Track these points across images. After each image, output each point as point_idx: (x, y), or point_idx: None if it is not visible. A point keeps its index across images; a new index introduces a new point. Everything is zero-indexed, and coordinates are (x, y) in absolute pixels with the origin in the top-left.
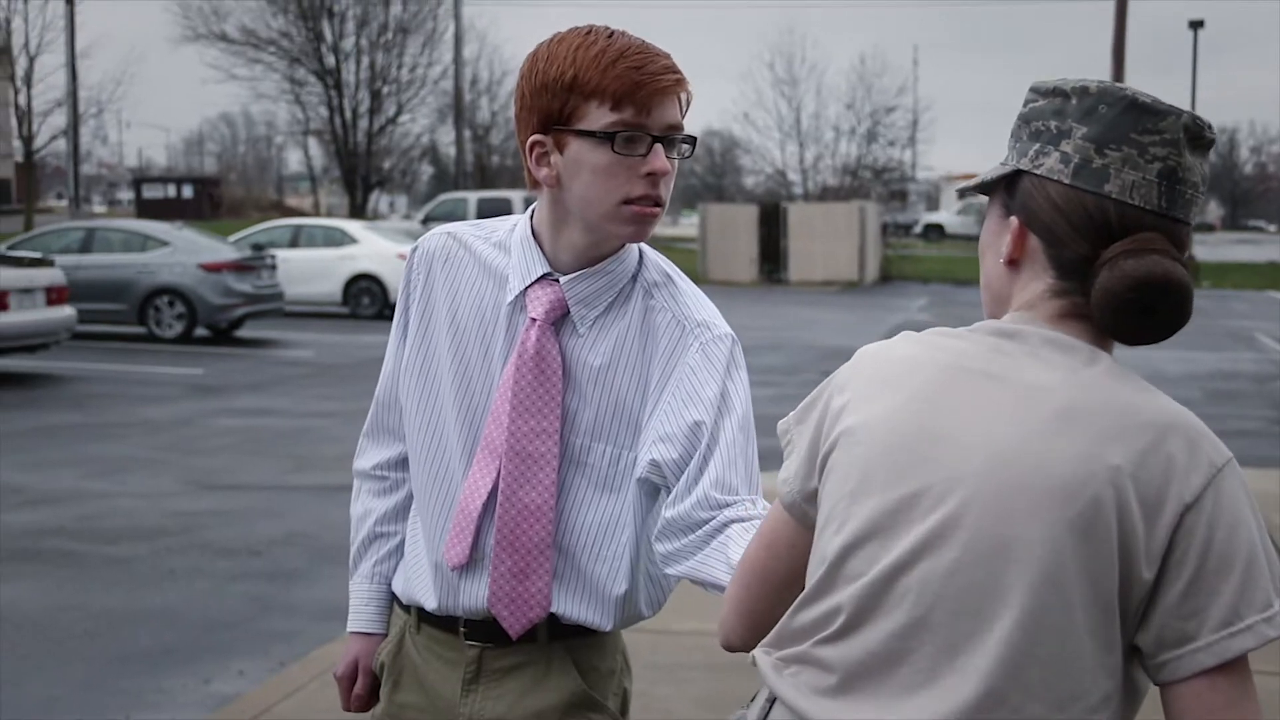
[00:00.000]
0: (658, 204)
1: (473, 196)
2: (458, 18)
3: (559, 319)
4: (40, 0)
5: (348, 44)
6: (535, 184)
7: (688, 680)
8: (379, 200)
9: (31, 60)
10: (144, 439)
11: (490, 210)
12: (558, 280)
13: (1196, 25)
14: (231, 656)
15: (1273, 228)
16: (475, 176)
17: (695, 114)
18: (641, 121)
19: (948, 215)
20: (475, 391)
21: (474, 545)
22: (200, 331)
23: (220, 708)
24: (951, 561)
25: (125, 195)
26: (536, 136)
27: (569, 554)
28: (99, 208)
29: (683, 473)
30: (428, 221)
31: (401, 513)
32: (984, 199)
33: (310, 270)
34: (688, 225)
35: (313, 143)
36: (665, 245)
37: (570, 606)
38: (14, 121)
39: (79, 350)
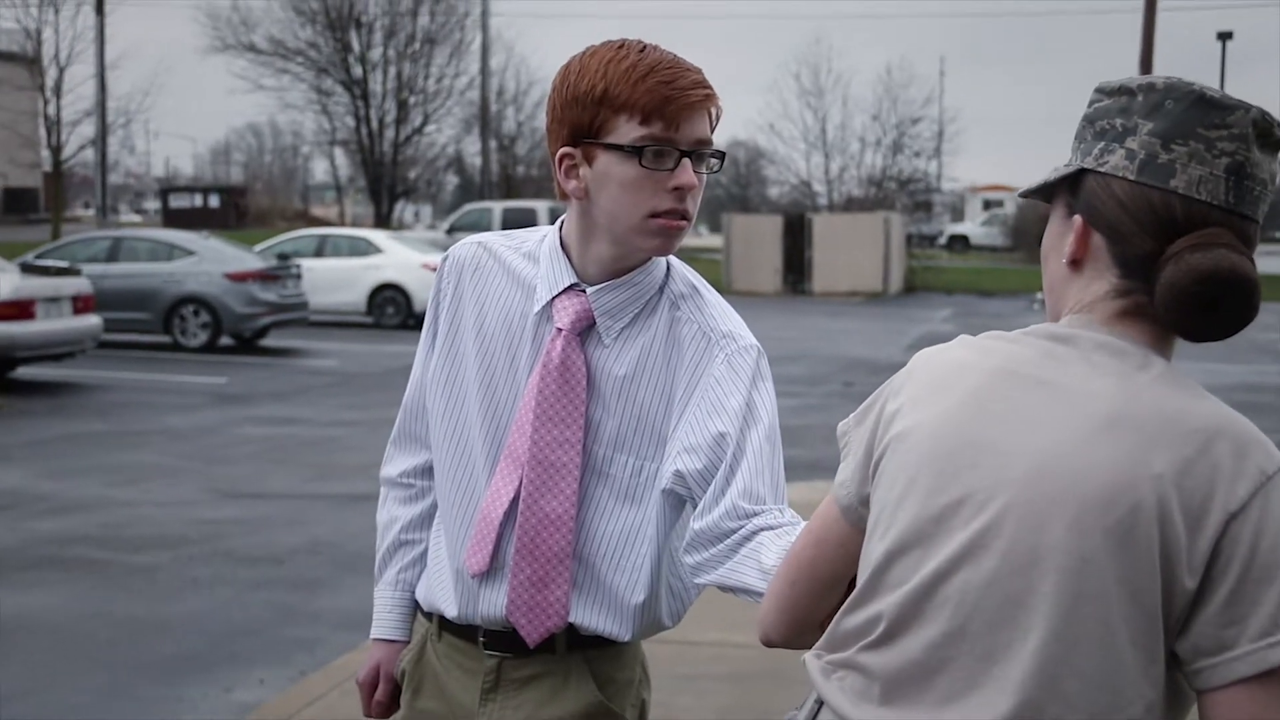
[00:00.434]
0: (684, 218)
1: (498, 206)
2: (485, 28)
3: (585, 330)
4: (71, 11)
5: (375, 54)
6: (564, 195)
7: (708, 691)
8: (404, 210)
9: (61, 71)
10: (168, 447)
11: (515, 220)
12: (585, 291)
13: (1225, 37)
14: (253, 665)
15: None
16: (500, 186)
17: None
18: (670, 136)
19: (972, 226)
20: (501, 400)
21: (494, 553)
22: (225, 340)
23: (242, 716)
24: (989, 571)
25: (152, 205)
26: (566, 149)
27: (589, 564)
28: (128, 217)
29: (708, 484)
30: (453, 231)
31: (426, 520)
32: (1009, 211)
33: (335, 280)
34: (712, 238)
35: (339, 153)
36: (690, 256)
37: (589, 616)
38: (43, 131)
39: (105, 359)
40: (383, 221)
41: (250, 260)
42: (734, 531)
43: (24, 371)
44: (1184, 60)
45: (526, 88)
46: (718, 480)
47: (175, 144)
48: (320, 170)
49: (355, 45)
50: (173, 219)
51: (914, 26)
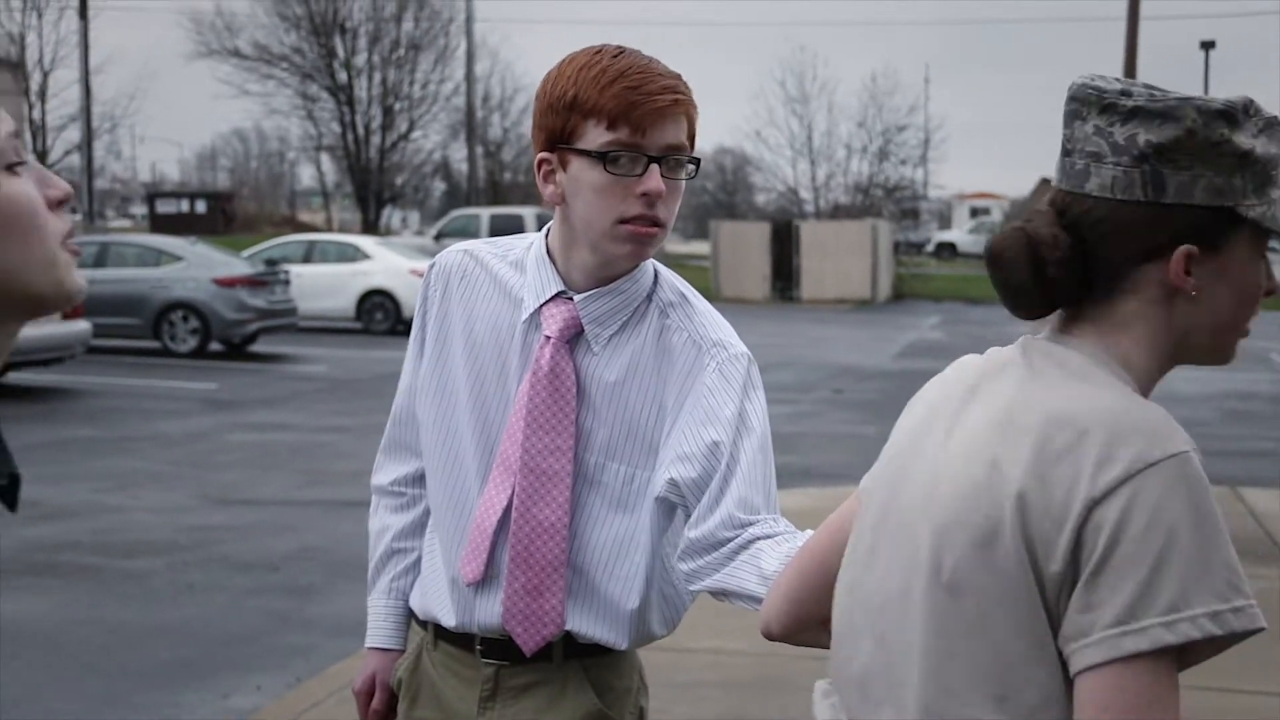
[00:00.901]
0: (656, 224)
1: (485, 213)
2: (469, 35)
3: (573, 337)
4: (54, 16)
5: (360, 60)
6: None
7: (705, 699)
8: (391, 216)
9: (45, 75)
10: (159, 453)
11: (503, 226)
12: (572, 299)
13: (1208, 46)
14: (250, 671)
15: None
16: (488, 193)
17: (707, 132)
18: (637, 141)
19: (960, 234)
20: (491, 408)
21: (489, 562)
22: (214, 346)
23: None
24: (880, 578)
25: (139, 210)
26: (543, 154)
27: (583, 572)
28: (116, 222)
29: (702, 492)
30: (440, 238)
31: (419, 529)
32: (996, 218)
33: (323, 285)
34: (699, 245)
35: (325, 158)
36: (677, 263)
37: (585, 624)
38: (29, 136)
39: (93, 364)
40: (370, 227)
41: (238, 266)
42: (730, 540)
43: (13, 376)
44: (1167, 69)
45: (512, 94)
46: (712, 489)
47: (161, 149)
48: (307, 176)
49: (340, 51)
50: (160, 224)
51: (899, 34)
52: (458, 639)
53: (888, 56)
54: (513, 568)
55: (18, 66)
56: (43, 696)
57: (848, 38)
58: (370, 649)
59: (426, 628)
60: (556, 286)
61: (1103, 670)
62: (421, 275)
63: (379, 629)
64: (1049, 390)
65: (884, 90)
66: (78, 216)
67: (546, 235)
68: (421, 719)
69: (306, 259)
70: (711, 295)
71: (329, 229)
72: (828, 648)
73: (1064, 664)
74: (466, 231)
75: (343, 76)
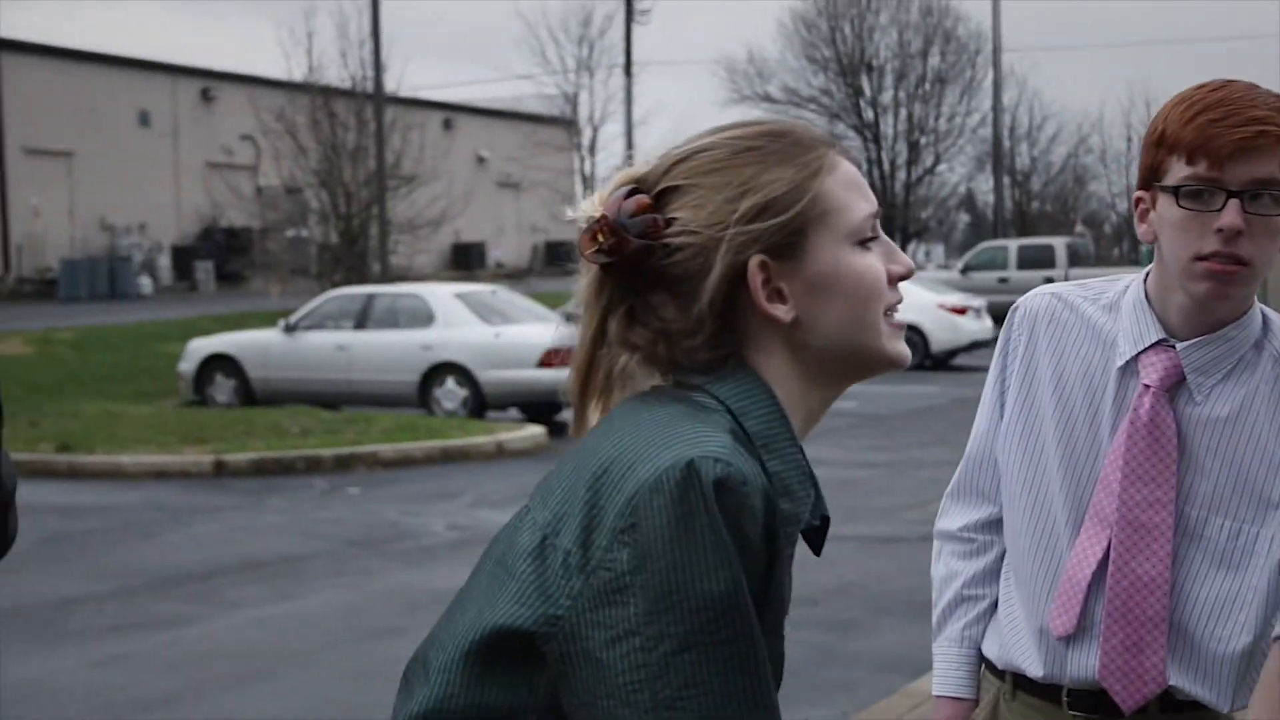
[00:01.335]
0: (1237, 261)
1: (1013, 244)
2: (996, 65)
3: (1174, 386)
4: (604, 75)
5: (886, 97)
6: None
7: None
8: (916, 250)
9: (595, 130)
10: None
11: (1031, 257)
12: (1173, 346)
13: None
14: (796, 704)
15: None
16: (1015, 223)
17: None
18: (1214, 176)
19: None
20: (1080, 457)
21: (1082, 614)
22: None
23: None
24: None
25: None
26: (1139, 193)
27: (1183, 629)
28: None
29: None
30: (968, 270)
31: (991, 575)
32: None
33: None
34: None
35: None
36: None
37: (1186, 681)
38: (579, 188)
39: None
40: None
41: None
42: None
43: (569, 415)
44: None
45: (1040, 122)
46: None
47: None
48: None
49: (866, 89)
50: None
51: None
52: (1042, 690)
53: None
54: (1110, 622)
55: (571, 124)
56: None
57: None
58: (941, 697)
59: (1004, 677)
60: (1156, 333)
61: None
62: (949, 310)
63: (951, 677)
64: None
65: None
66: None
67: (1145, 278)
68: None
69: None
70: None
71: None
72: None
73: None
74: (994, 263)
75: (869, 114)
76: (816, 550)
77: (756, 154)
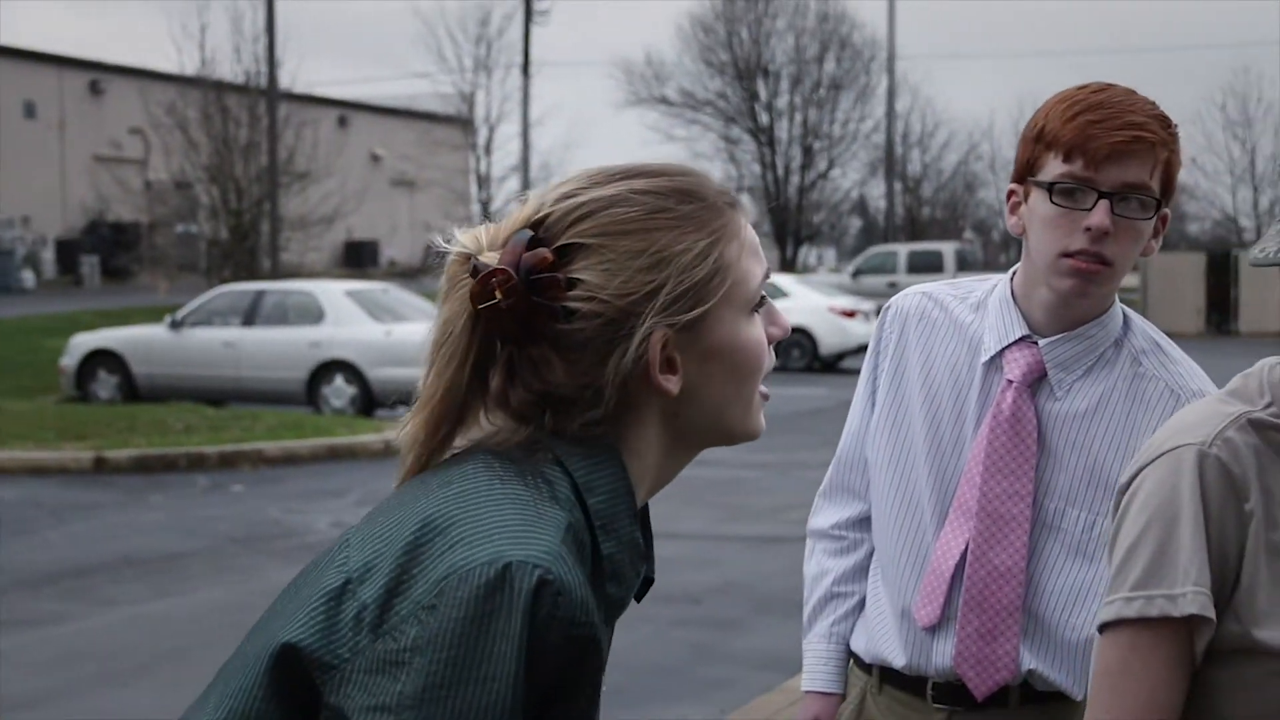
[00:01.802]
0: (1101, 261)
1: (903, 249)
2: (891, 72)
3: (1036, 381)
4: (501, 75)
5: (781, 102)
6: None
7: None
8: (808, 254)
9: (491, 130)
10: None
11: (921, 262)
12: (1036, 342)
13: None
14: (675, 701)
15: None
16: (905, 229)
17: None
18: (1089, 176)
19: None
20: (946, 451)
21: (945, 605)
22: None
23: None
24: None
25: None
26: (1012, 185)
27: (1039, 618)
28: None
29: None
30: (858, 274)
31: (860, 572)
32: None
33: None
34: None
35: (745, 199)
36: None
37: (1044, 669)
38: (474, 188)
39: None
40: (787, 266)
41: None
42: None
43: None
44: None
45: (932, 129)
46: None
47: None
48: None
49: (762, 94)
50: None
51: None
52: (907, 682)
53: None
54: (966, 611)
55: (467, 123)
56: None
57: None
58: (810, 693)
59: (871, 671)
60: (1020, 329)
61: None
62: (840, 313)
63: (819, 672)
64: None
65: None
66: None
67: (1012, 277)
68: None
69: None
70: None
71: None
72: None
73: None
74: (884, 268)
75: (765, 118)
76: (637, 599)
77: (668, 217)
